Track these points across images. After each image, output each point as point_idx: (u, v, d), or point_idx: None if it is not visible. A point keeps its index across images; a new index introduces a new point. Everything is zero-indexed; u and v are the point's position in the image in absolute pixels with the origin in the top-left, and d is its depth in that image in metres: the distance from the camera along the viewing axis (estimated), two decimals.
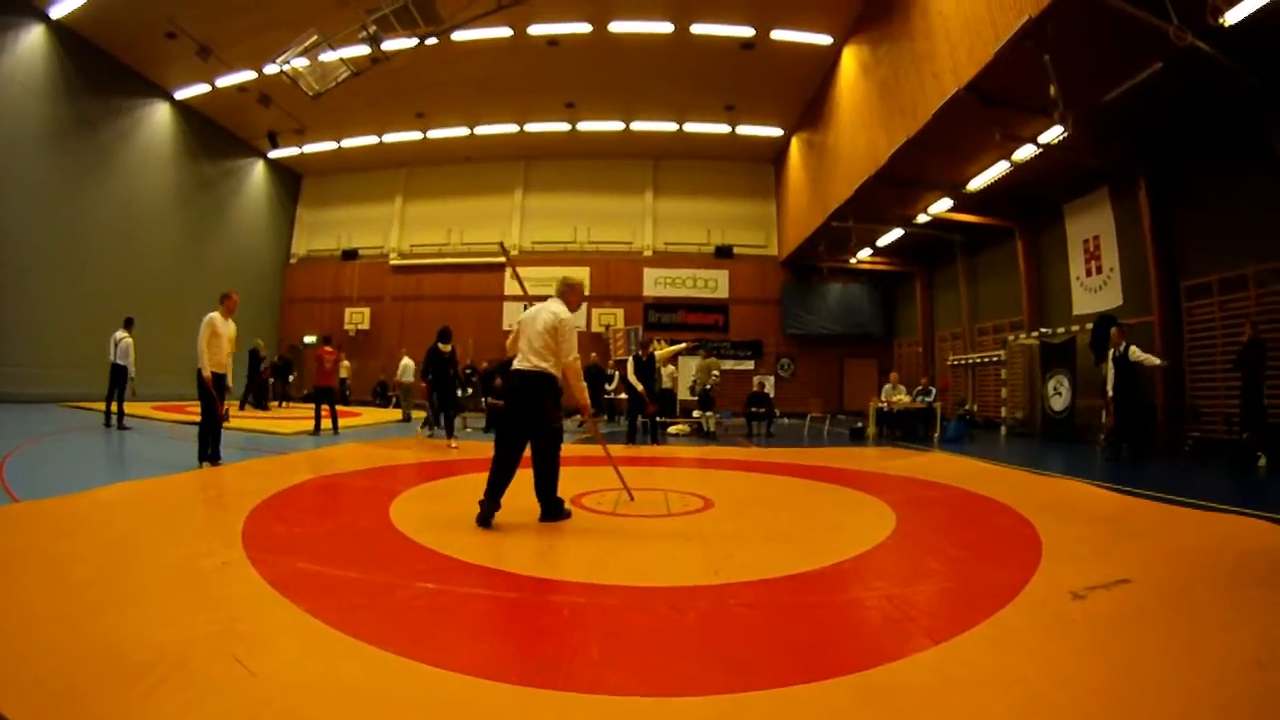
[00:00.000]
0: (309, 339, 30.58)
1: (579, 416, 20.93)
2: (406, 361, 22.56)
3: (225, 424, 10.02)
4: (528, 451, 6.66)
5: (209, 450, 9.43)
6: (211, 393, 9.29)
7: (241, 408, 21.06)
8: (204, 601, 4.05)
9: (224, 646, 3.30)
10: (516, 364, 6.69)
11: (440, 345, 12.36)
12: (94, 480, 7.51)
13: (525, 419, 6.61)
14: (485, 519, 6.29)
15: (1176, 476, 11.22)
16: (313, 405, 16.08)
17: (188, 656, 3.16)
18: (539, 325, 6.63)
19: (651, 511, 7.49)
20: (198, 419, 9.53)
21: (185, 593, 4.20)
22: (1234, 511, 6.73)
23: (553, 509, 6.69)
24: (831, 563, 5.34)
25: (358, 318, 32.50)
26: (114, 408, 14.43)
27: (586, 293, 30.99)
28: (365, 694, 2.95)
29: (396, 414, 24.30)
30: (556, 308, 6.80)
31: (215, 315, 9.48)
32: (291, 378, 26.55)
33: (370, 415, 23.11)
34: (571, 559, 5.42)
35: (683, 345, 23.06)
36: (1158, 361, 12.91)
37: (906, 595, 4.51)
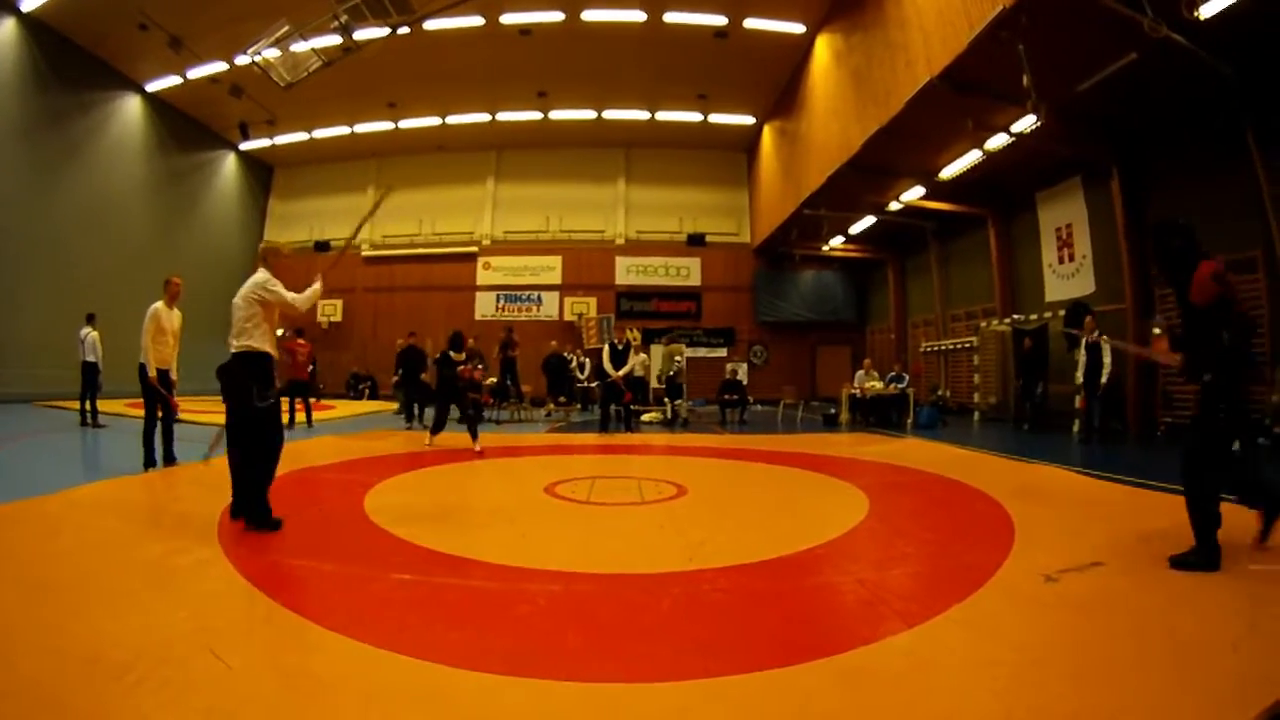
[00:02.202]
0: (281, 332, 30.28)
1: (549, 406, 20.98)
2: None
3: (178, 419, 9.50)
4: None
5: (163, 451, 8.99)
6: (158, 390, 8.85)
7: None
8: (181, 598, 4.04)
9: (202, 642, 3.30)
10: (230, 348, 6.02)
11: (452, 353, 12.13)
12: (70, 481, 7.43)
13: (238, 406, 5.93)
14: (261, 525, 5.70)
15: (1149, 461, 11.33)
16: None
17: (166, 654, 3.16)
18: (240, 303, 6.01)
19: (625, 499, 7.52)
20: (193, 417, 9.02)
21: (162, 590, 4.18)
22: None
23: (259, 517, 5.70)
24: (805, 548, 5.38)
25: (330, 309, 32.20)
26: (88, 406, 14.20)
27: (558, 280, 31.48)
28: (344, 686, 2.96)
29: (371, 406, 24.19)
30: (256, 277, 6.15)
31: (159, 306, 8.92)
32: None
33: (344, 408, 22.96)
34: (547, 547, 5.42)
35: (643, 358, 22.64)
36: (1106, 363, 13.12)
37: (880, 579, 4.56)
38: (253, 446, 5.90)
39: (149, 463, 8.78)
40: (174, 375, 9.25)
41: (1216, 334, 4.69)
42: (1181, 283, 4.84)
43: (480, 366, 11.94)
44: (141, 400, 9.07)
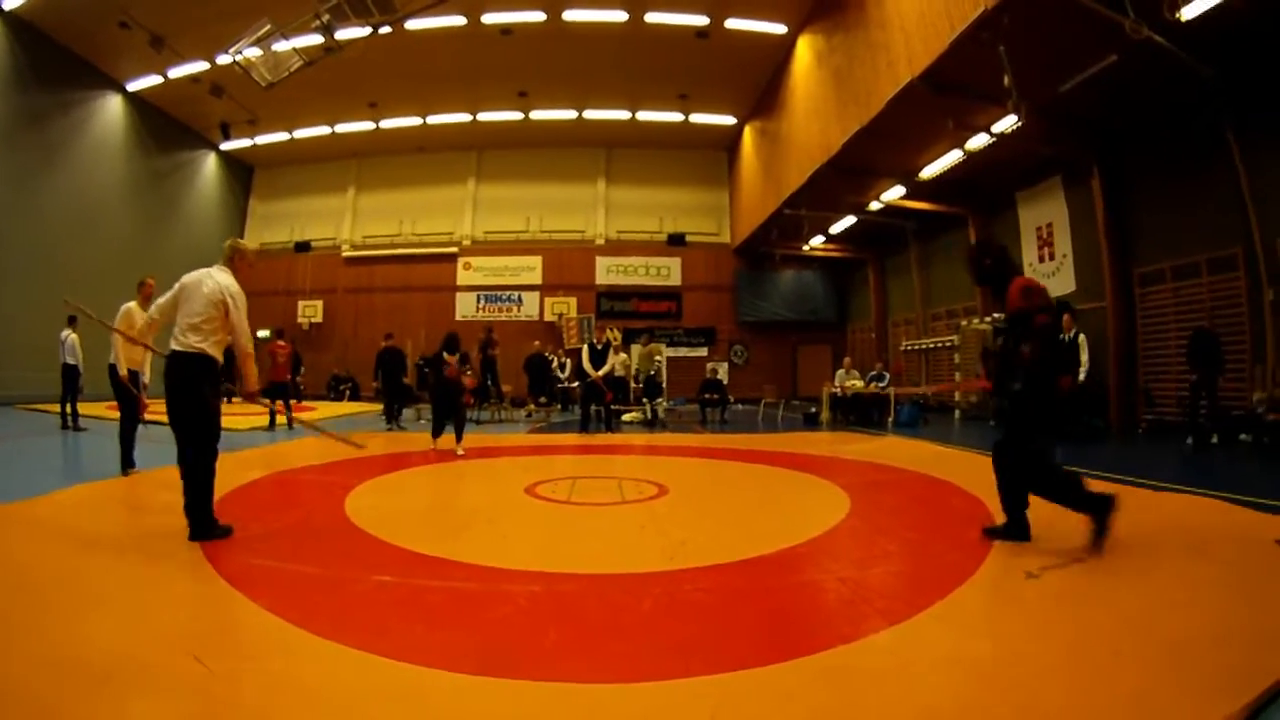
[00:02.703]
0: (262, 333, 30.19)
1: (530, 406, 20.94)
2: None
3: (145, 421, 9.04)
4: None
5: (121, 454, 8.66)
6: (130, 390, 8.60)
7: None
8: (164, 602, 4.02)
9: (184, 647, 3.27)
10: (173, 344, 5.69)
11: (445, 355, 11.91)
12: (49, 484, 7.37)
13: (183, 411, 5.63)
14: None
15: (1130, 458, 11.40)
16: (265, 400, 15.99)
17: (148, 658, 3.13)
18: (203, 296, 5.70)
19: (606, 499, 7.52)
20: (158, 418, 8.56)
21: (144, 594, 4.15)
22: (1186, 491, 6.88)
23: (203, 526, 5.45)
24: (786, 546, 5.39)
25: (311, 310, 32.09)
26: (69, 409, 14.10)
27: (538, 280, 31.45)
28: (325, 689, 2.95)
29: (352, 407, 24.06)
30: (225, 279, 5.87)
31: (132, 306, 8.51)
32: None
33: (325, 409, 22.86)
34: (527, 548, 5.41)
35: (623, 358, 22.60)
36: (1083, 360, 13.24)
37: (861, 577, 4.57)
38: (198, 452, 5.59)
39: (127, 464, 8.57)
40: (145, 377, 9.05)
41: (1017, 347, 5.19)
42: (1000, 299, 5.40)
43: (467, 371, 11.73)
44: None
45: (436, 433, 11.71)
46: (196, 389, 5.63)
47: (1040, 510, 5.29)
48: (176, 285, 5.91)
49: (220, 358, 5.83)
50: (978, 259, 5.54)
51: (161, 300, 6.08)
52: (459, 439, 11.41)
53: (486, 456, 10.55)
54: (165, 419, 5.69)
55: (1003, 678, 2.97)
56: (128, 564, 4.74)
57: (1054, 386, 5.24)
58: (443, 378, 11.77)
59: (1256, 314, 12.54)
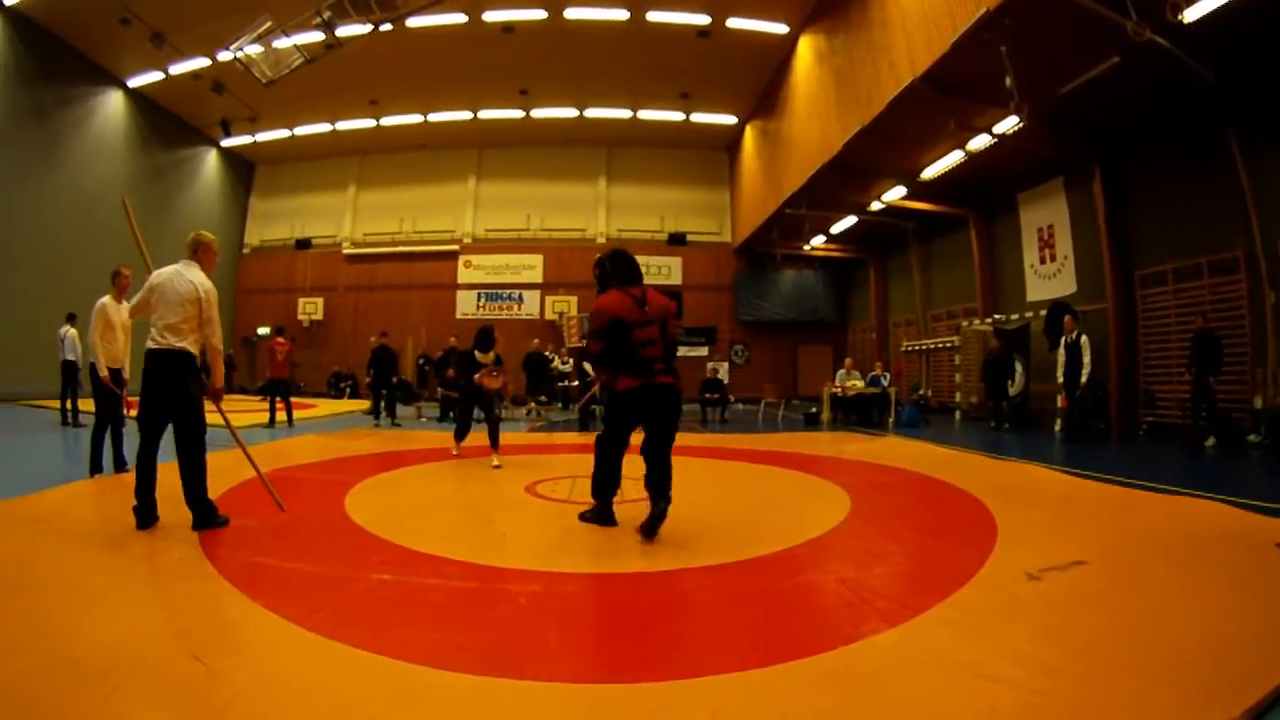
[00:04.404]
0: (263, 330, 30.22)
1: (530, 405, 20.91)
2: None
3: (128, 417, 8.43)
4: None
5: (113, 455, 8.35)
6: (111, 390, 8.16)
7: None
8: (161, 599, 4.03)
9: (182, 645, 3.27)
10: (150, 343, 5.75)
11: (478, 353, 11.06)
12: (51, 480, 7.36)
13: (167, 407, 5.74)
14: (141, 523, 5.57)
15: (1131, 460, 11.39)
16: (267, 398, 16.02)
17: (147, 656, 3.13)
18: (179, 295, 5.76)
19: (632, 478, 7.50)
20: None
21: (143, 591, 4.16)
22: (1187, 494, 6.85)
23: (204, 515, 5.67)
24: (786, 547, 5.38)
25: (311, 308, 32.16)
26: (70, 405, 14.11)
27: (539, 279, 31.44)
28: (325, 688, 2.94)
29: (353, 404, 24.02)
30: (196, 275, 5.93)
31: (107, 301, 8.31)
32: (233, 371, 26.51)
33: (326, 407, 22.87)
34: (527, 547, 5.41)
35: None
36: (1086, 362, 13.23)
37: (862, 579, 4.56)
38: (188, 448, 5.70)
39: (95, 468, 8.13)
40: (126, 374, 8.59)
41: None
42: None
43: (495, 372, 10.58)
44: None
45: (460, 436, 11.04)
46: (181, 385, 5.71)
47: (1043, 513, 5.28)
48: (146, 286, 5.93)
49: (198, 353, 5.87)
50: (598, 263, 6.43)
51: (135, 301, 6.13)
52: (495, 447, 10.33)
53: (486, 455, 10.52)
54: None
55: (1004, 680, 2.95)
56: (126, 561, 4.75)
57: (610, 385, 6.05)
58: (473, 382, 10.80)
59: (1258, 316, 12.51)
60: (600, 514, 6.17)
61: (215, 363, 6.07)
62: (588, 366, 15.78)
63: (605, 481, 6.21)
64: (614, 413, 6.26)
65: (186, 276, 5.84)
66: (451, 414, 18.69)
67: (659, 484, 5.81)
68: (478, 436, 10.92)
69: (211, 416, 5.95)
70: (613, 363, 5.96)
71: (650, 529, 5.56)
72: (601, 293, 6.18)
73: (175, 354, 5.70)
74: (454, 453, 10.95)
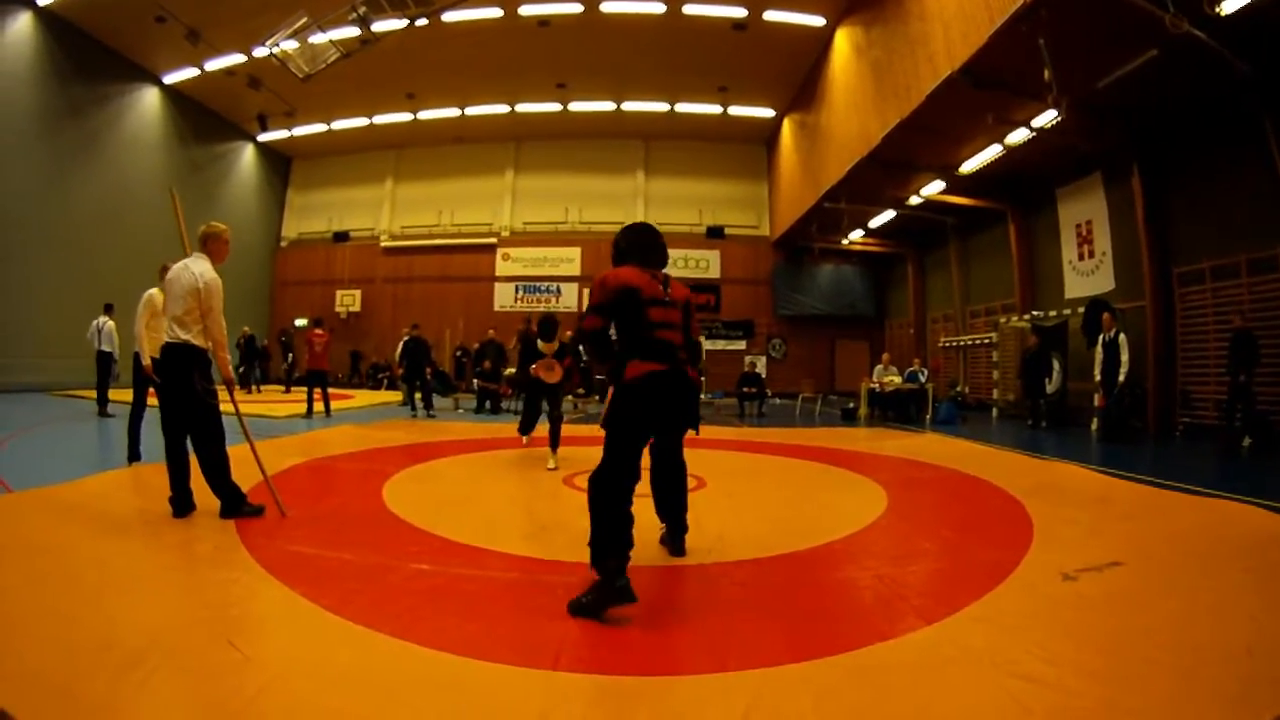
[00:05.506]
0: (300, 322, 30.44)
1: (571, 398, 20.90)
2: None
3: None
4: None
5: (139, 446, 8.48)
6: (153, 380, 7.81)
7: (245, 390, 21.57)
8: (197, 586, 4.08)
9: (218, 631, 3.32)
10: (165, 336, 5.92)
11: (541, 343, 10.40)
12: (86, 469, 7.47)
13: (175, 400, 5.88)
14: (178, 511, 5.69)
15: (1167, 460, 11.27)
16: (305, 388, 16.15)
17: (182, 643, 3.18)
18: (182, 287, 5.86)
19: (642, 490, 7.49)
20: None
21: (179, 578, 4.22)
22: (1224, 496, 6.77)
23: (231, 502, 5.74)
24: (823, 542, 5.38)
25: (349, 300, 32.43)
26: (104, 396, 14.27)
27: (577, 271, 31.42)
28: (360, 677, 2.97)
29: (390, 396, 24.12)
30: (200, 266, 5.96)
31: (155, 292, 8.23)
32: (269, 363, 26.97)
33: (364, 398, 23.04)
34: (563, 539, 5.38)
35: None
36: (1124, 360, 13.06)
37: (898, 575, 4.55)
38: (201, 438, 5.81)
39: (133, 456, 8.41)
40: None
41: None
42: None
43: (553, 365, 9.87)
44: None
45: (524, 428, 10.71)
46: (185, 379, 5.80)
47: (1079, 513, 5.24)
48: (164, 279, 6.14)
49: (207, 346, 5.94)
50: (614, 241, 4.88)
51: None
52: (553, 448, 9.65)
53: (525, 446, 10.56)
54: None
55: (1038, 680, 2.94)
56: (162, 548, 4.82)
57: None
58: (533, 375, 10.00)
59: None
60: (605, 593, 3.79)
61: (218, 355, 6.06)
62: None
63: (613, 535, 4.10)
64: (619, 417, 4.47)
65: (191, 269, 5.92)
66: (488, 404, 18.88)
67: (678, 509, 5.23)
68: (511, 428, 10.95)
69: (245, 406, 6.00)
70: (615, 347, 4.62)
71: (680, 545, 5.14)
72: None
73: (180, 347, 5.83)
74: (523, 443, 10.86)
